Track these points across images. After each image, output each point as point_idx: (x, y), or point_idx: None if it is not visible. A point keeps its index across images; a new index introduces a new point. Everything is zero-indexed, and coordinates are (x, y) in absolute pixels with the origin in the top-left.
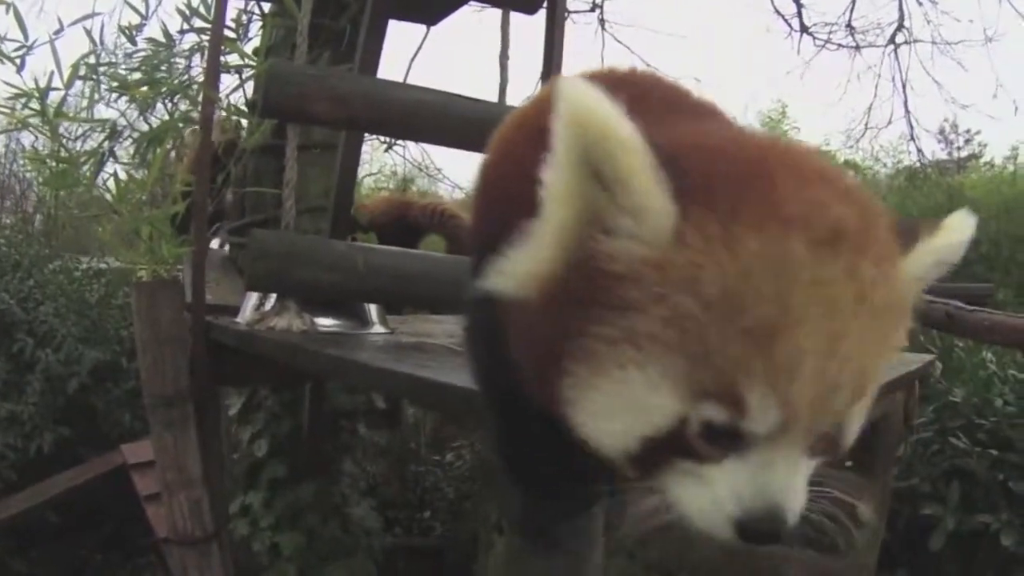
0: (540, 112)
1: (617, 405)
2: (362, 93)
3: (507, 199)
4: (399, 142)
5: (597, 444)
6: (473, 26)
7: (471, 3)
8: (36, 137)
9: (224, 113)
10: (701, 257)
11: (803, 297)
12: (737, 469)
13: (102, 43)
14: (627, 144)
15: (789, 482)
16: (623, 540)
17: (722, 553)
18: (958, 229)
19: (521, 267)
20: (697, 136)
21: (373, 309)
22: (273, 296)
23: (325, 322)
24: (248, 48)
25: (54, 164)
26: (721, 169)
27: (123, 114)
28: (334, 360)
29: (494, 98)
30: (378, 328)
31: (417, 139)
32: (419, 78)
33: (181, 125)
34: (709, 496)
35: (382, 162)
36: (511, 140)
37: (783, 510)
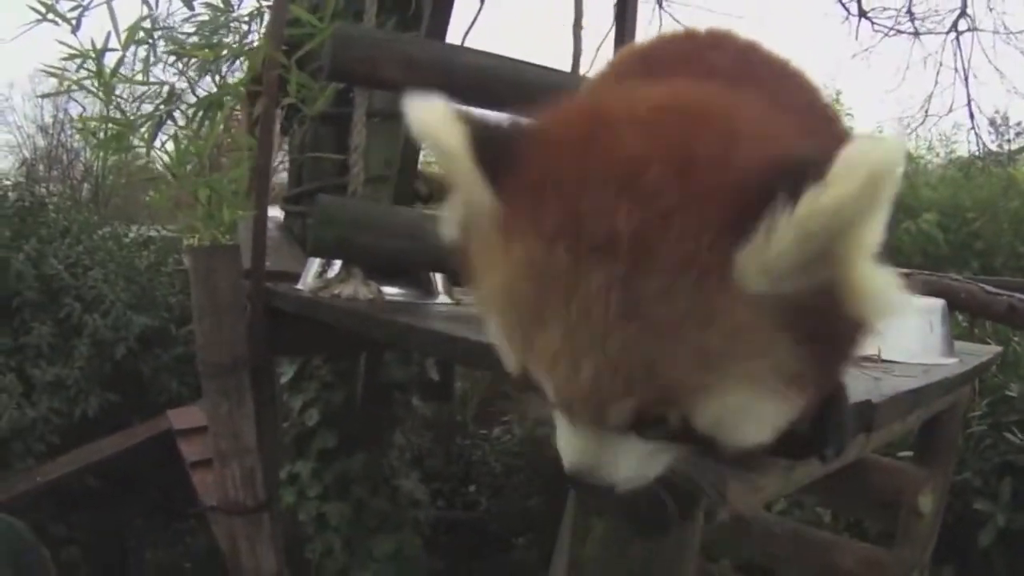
0: None
1: (495, 340)
2: (433, 58)
3: None
4: None
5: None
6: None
7: None
8: (83, 108)
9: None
10: (490, 256)
11: (558, 302)
12: (560, 424)
13: (157, 5)
14: (453, 153)
15: (598, 452)
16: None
17: (771, 538)
18: (852, 169)
19: (450, 213)
20: (590, 114)
21: (439, 279)
22: (336, 263)
23: (391, 290)
24: None
25: (108, 127)
26: (535, 165)
27: (182, 76)
28: (407, 328)
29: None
30: (443, 298)
31: (487, 107)
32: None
33: (243, 88)
34: (558, 437)
35: None
36: None
37: (596, 470)
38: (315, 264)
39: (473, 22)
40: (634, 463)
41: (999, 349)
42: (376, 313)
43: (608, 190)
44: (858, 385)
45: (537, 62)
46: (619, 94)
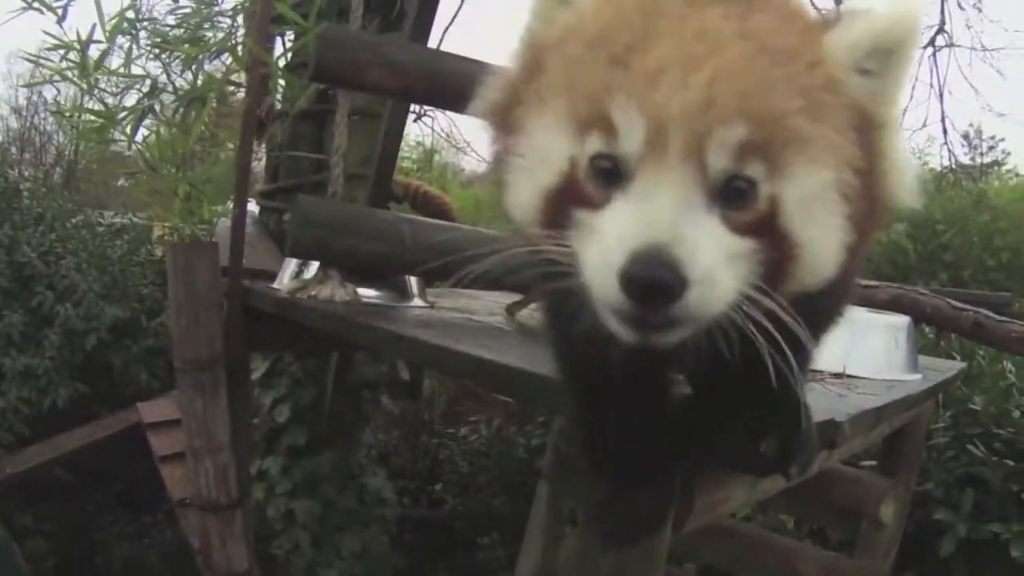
0: None
1: (527, 163)
2: (417, 62)
3: None
4: (429, 112)
5: (516, 213)
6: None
7: None
8: (58, 91)
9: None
10: (593, 13)
11: (667, 24)
12: (621, 208)
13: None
14: None
15: (675, 217)
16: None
17: (734, 543)
18: (898, 11)
19: (488, 89)
20: None
21: (414, 282)
22: (313, 264)
23: (367, 293)
24: None
25: (91, 119)
26: None
27: (165, 69)
28: (388, 335)
29: None
30: (418, 301)
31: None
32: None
33: (224, 85)
34: (599, 248)
35: (408, 132)
36: None
37: (669, 248)
38: (292, 264)
39: (452, 20)
40: (713, 252)
41: (963, 365)
42: (354, 317)
43: None
44: (823, 402)
45: None
46: None
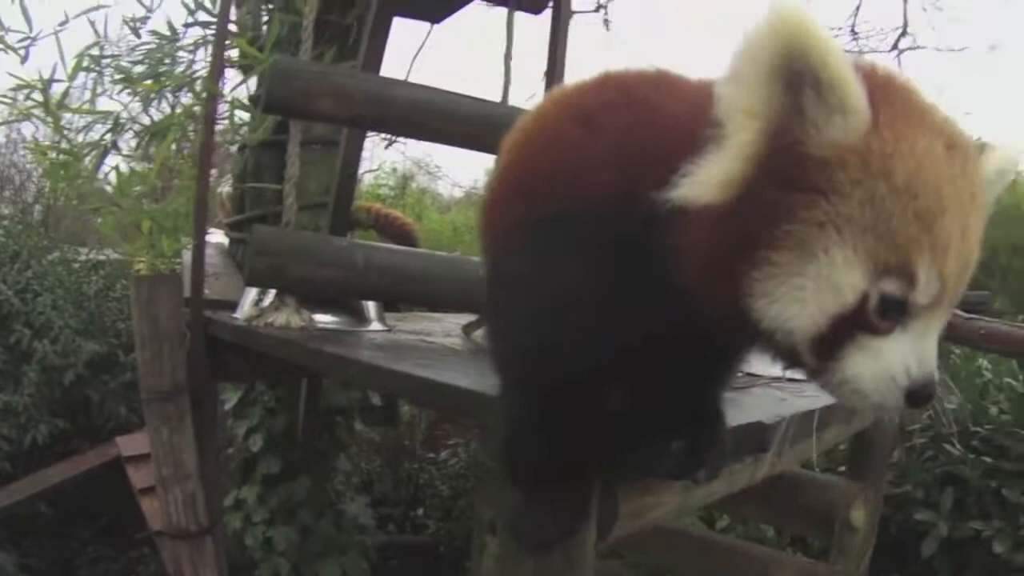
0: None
1: (816, 286)
2: (366, 91)
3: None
4: (400, 139)
5: (786, 328)
6: (480, 25)
7: (477, 1)
8: (37, 127)
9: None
10: (892, 148)
11: (946, 190)
12: (902, 340)
13: (106, 35)
14: (837, 51)
15: (935, 350)
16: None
17: (710, 554)
18: (1010, 151)
19: (711, 176)
20: None
21: (371, 306)
22: (272, 292)
23: (323, 319)
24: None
25: (56, 155)
26: (882, 81)
27: (127, 107)
28: (334, 358)
29: (497, 97)
30: (376, 325)
31: (420, 137)
32: (422, 76)
33: (185, 120)
34: (882, 368)
35: (382, 159)
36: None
37: (935, 374)
38: (252, 293)
39: (419, 50)
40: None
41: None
42: (305, 342)
43: (948, 118)
44: (760, 406)
45: (468, 93)
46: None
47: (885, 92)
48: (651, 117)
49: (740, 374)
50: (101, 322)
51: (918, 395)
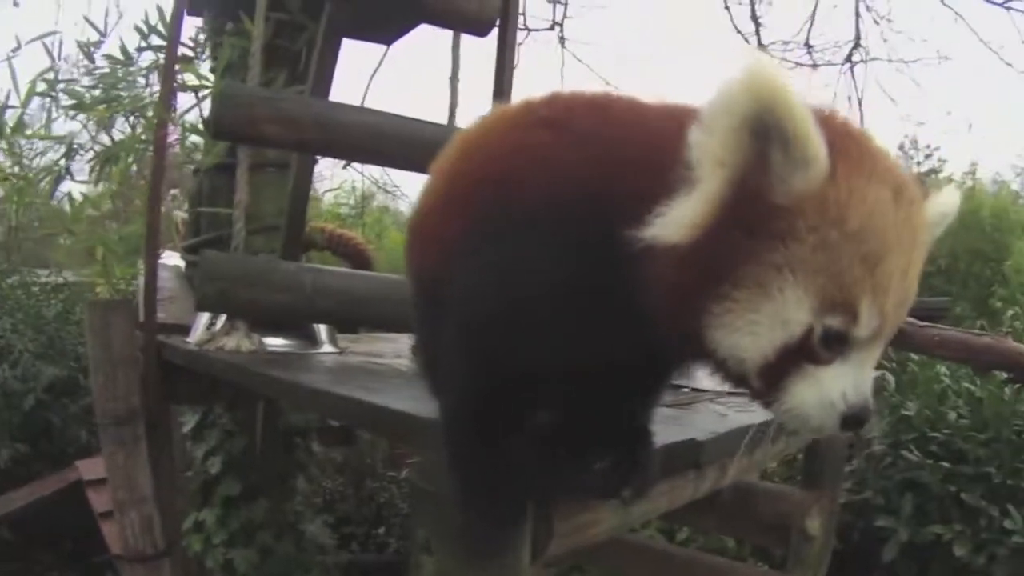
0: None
1: (769, 322)
2: (312, 115)
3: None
4: None
5: (738, 357)
6: (429, 46)
7: (427, 23)
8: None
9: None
10: (846, 198)
11: (891, 234)
12: (842, 369)
13: (61, 59)
14: (803, 110)
15: (871, 378)
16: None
17: (670, 566)
18: (952, 195)
19: (681, 218)
20: None
21: (323, 329)
22: (224, 316)
23: (274, 342)
24: (207, 67)
25: (12, 180)
26: (840, 131)
27: (85, 127)
28: (278, 382)
29: (444, 119)
30: (328, 348)
31: (368, 161)
32: (372, 98)
33: (138, 145)
34: (822, 395)
35: (342, 178)
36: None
37: (870, 401)
38: (204, 317)
39: (375, 71)
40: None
41: (879, 373)
42: (252, 366)
43: (897, 164)
44: (699, 422)
45: (416, 116)
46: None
47: (843, 142)
48: (616, 121)
49: (685, 389)
50: (61, 346)
51: (853, 419)
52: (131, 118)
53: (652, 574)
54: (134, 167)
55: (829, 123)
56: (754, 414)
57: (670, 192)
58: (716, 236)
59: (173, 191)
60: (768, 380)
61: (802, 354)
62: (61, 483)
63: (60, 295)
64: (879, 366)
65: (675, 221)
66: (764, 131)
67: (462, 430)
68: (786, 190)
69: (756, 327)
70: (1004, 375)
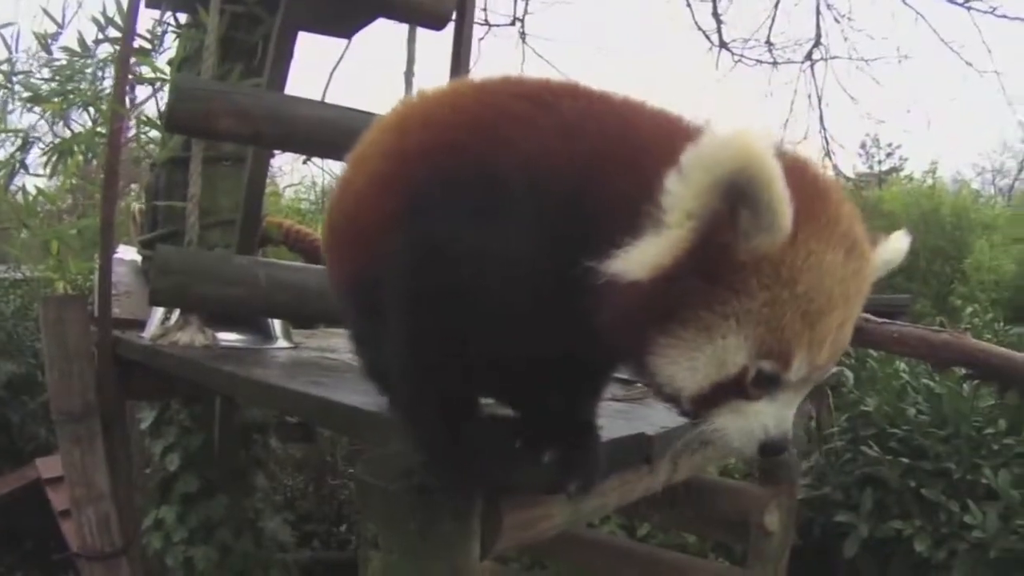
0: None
1: (708, 361)
2: (267, 109)
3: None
4: None
5: (675, 386)
6: (388, 39)
7: (383, 17)
8: None
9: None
10: (802, 263)
11: (837, 292)
12: (768, 406)
13: (19, 51)
14: (778, 181)
15: (793, 414)
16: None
17: (630, 562)
18: (901, 242)
19: (643, 258)
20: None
21: (277, 324)
22: (178, 311)
23: (228, 337)
24: (163, 59)
25: None
26: (809, 189)
27: (43, 119)
28: (231, 377)
29: None
30: (282, 343)
31: (323, 155)
32: (332, 91)
33: (95, 138)
34: (746, 426)
35: (302, 173)
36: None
37: (789, 435)
38: (159, 312)
39: (336, 65)
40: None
41: (835, 369)
42: (205, 361)
43: (848, 209)
44: (650, 417)
45: (371, 110)
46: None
47: (810, 205)
48: (601, 116)
49: (638, 384)
50: (19, 342)
51: (771, 448)
52: (88, 111)
53: (613, 570)
54: (92, 160)
55: (801, 179)
56: None
57: (641, 222)
58: (673, 277)
59: (132, 185)
60: (699, 407)
61: (734, 390)
62: (20, 481)
63: (18, 291)
64: (838, 363)
65: (638, 260)
66: (738, 194)
67: (423, 412)
68: (749, 249)
69: (696, 364)
70: (963, 371)
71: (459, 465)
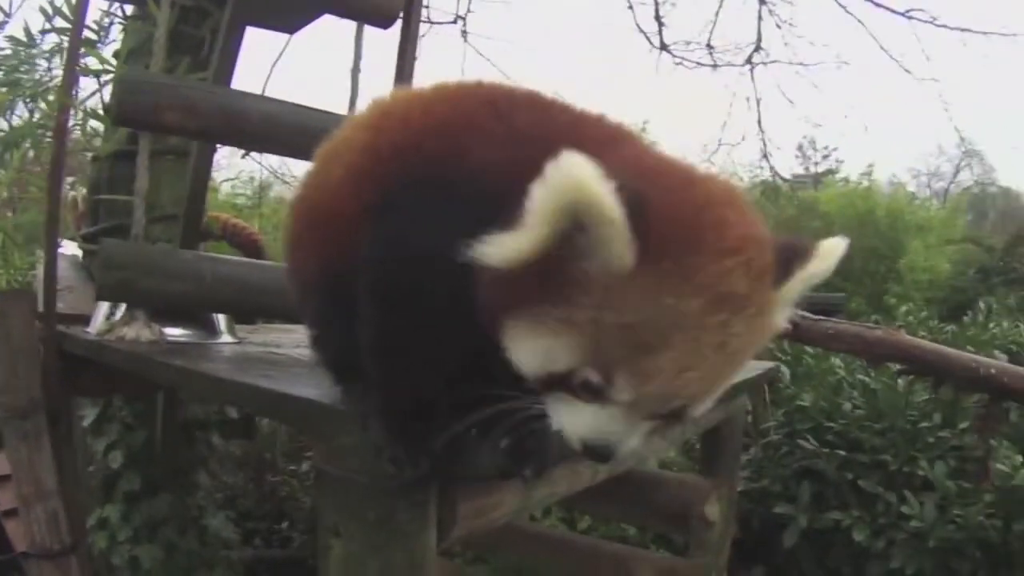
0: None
1: (543, 351)
2: (214, 103)
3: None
4: None
5: (520, 368)
6: (332, 35)
7: (332, 14)
8: None
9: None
10: (633, 298)
11: (678, 337)
12: (594, 412)
13: None
14: (613, 220)
15: (626, 432)
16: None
17: (571, 554)
18: (830, 254)
19: (503, 250)
20: (652, 177)
21: (221, 319)
22: (124, 306)
23: (174, 332)
24: (110, 51)
25: None
26: (677, 240)
27: None
28: (180, 371)
29: (344, 110)
30: (226, 338)
31: (268, 151)
32: (276, 87)
33: (38, 129)
34: (572, 420)
35: (239, 168)
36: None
37: (614, 447)
38: (104, 307)
39: (277, 59)
40: (638, 440)
41: (771, 364)
42: (153, 356)
43: (729, 260)
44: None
45: (317, 105)
46: (679, 171)
47: (671, 248)
48: (554, 126)
49: None
50: None
51: (593, 452)
52: (30, 103)
53: (554, 562)
54: (31, 153)
55: (678, 223)
56: None
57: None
58: (525, 273)
59: (70, 178)
60: (541, 388)
61: (564, 385)
62: None
63: None
64: (774, 358)
65: (500, 250)
66: (575, 219)
67: (387, 401)
68: (582, 268)
69: (533, 351)
70: (897, 367)
71: (418, 453)
